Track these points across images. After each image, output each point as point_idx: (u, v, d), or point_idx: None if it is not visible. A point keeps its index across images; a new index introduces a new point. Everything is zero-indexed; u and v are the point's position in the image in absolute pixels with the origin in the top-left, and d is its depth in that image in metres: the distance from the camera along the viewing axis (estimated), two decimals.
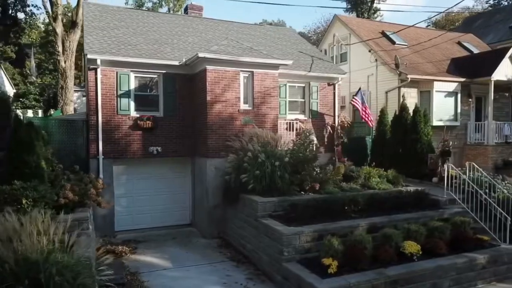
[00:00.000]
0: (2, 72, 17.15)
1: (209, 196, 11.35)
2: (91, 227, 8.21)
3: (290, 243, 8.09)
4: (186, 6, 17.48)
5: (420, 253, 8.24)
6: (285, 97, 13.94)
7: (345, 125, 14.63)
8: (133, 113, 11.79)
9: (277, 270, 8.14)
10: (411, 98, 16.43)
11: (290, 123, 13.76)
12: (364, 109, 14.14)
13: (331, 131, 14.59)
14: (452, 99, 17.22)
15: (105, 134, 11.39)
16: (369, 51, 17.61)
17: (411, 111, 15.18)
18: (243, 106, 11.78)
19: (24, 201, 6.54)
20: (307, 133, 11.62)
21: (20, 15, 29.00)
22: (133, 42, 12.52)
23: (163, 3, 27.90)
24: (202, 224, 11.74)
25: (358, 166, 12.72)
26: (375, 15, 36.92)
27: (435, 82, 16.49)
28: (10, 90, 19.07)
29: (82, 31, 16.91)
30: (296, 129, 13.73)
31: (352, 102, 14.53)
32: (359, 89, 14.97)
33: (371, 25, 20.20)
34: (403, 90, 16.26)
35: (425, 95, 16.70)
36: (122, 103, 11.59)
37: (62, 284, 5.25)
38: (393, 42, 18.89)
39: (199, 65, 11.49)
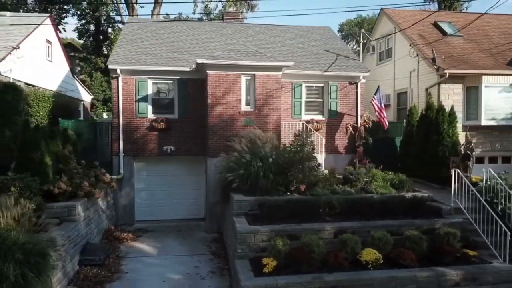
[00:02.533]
0: (76, 82, 20.24)
1: (210, 193, 12.10)
2: (83, 214, 9.59)
3: (244, 241, 8.37)
4: (223, 13, 18.46)
5: (381, 262, 7.80)
6: (300, 98, 13.90)
7: (367, 125, 13.90)
8: (151, 116, 13.10)
9: (232, 265, 8.51)
10: (455, 95, 14.84)
11: (305, 123, 13.66)
12: (380, 109, 13.31)
13: (352, 131, 14.08)
14: (509, 95, 15.00)
15: (126, 135, 12.91)
16: (410, 45, 16.34)
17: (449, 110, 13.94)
18: (245, 108, 12.22)
19: (12, 189, 8.11)
20: (304, 135, 11.55)
21: (110, 30, 33.52)
22: (155, 52, 13.88)
23: (227, 8, 29.53)
24: (206, 219, 12.53)
25: (384, 168, 12.13)
26: (461, 3, 33.23)
27: (484, 77, 14.58)
28: (88, 97, 22.32)
29: None
30: (312, 130, 13.62)
31: (372, 102, 13.76)
32: (378, 88, 14.11)
33: (422, 16, 18.54)
34: (443, 86, 14.79)
35: (473, 91, 14.87)
36: (140, 106, 12.99)
37: (6, 255, 6.53)
38: (445, 33, 17.15)
39: (203, 70, 12.27)
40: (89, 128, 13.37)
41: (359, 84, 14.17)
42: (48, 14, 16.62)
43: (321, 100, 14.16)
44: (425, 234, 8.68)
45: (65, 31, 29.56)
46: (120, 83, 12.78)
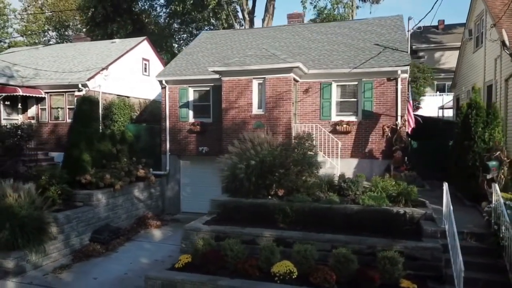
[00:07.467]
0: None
1: (223, 191, 12.89)
2: (104, 201, 11.93)
3: (188, 237, 9.06)
4: (287, 15, 18.52)
5: (294, 276, 7.29)
6: (330, 98, 13.13)
7: (407, 127, 12.03)
8: (191, 120, 14.74)
9: None
10: None
11: (335, 125, 12.87)
12: (409, 108, 11.31)
13: (389, 134, 12.47)
14: None
15: (171, 136, 14.93)
16: (491, 25, 13.09)
17: None
18: (256, 111, 12.53)
19: (43, 177, 10.98)
20: (304, 137, 11.08)
21: None
22: (201, 62, 15.44)
23: (335, 11, 28.79)
24: None
25: (430, 176, 10.63)
26: None
27: None
28: None
29: None
30: (342, 132, 12.79)
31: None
32: (409, 83, 11.91)
33: None
34: None
35: None
36: (182, 112, 14.79)
37: (4, 224, 9.12)
38: None
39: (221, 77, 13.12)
40: (146, 131, 15.95)
41: (399, 80, 12.39)
42: (144, 37, 20.18)
43: (355, 99, 13.02)
44: (373, 255, 7.53)
45: None
46: (167, 92, 14.87)
